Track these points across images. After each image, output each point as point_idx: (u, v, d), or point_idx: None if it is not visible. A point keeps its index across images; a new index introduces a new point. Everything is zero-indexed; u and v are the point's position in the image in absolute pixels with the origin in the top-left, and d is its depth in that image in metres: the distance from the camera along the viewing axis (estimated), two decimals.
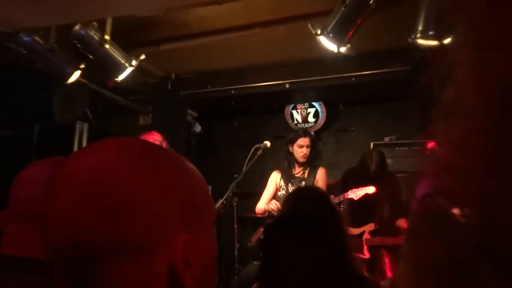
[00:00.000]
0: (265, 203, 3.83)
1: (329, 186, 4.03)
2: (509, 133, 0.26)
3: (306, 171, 3.79)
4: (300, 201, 1.58)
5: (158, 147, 0.62)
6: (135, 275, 0.52)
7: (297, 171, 3.81)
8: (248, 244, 3.99)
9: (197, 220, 0.57)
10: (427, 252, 0.31)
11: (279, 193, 3.84)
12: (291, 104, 5.46)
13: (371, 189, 3.53)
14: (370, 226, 3.62)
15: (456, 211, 0.29)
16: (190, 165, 0.62)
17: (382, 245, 3.56)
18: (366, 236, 3.59)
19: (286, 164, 3.83)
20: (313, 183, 3.72)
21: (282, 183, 3.82)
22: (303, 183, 3.74)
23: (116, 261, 0.51)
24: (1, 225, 1.13)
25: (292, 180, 3.79)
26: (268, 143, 3.65)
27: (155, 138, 3.19)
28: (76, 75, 3.43)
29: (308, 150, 3.74)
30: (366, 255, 3.58)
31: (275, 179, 3.89)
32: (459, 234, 0.29)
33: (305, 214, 1.40)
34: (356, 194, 3.56)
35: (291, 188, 3.75)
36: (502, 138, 0.26)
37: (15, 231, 1.07)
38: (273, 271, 1.25)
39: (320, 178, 3.76)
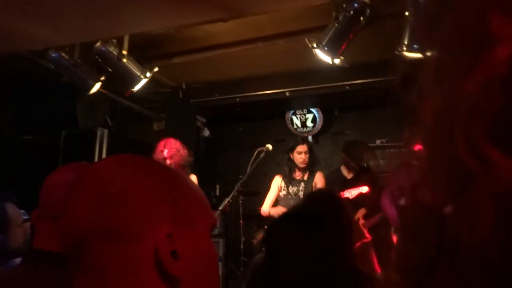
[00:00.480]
0: (269, 206, 3.85)
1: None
2: (448, 146, 0.26)
3: (306, 175, 3.82)
4: (305, 201, 1.60)
5: (158, 163, 0.68)
6: (124, 258, 0.56)
7: (297, 174, 3.84)
8: (253, 241, 4.01)
9: (188, 219, 0.61)
10: (402, 251, 0.31)
11: (280, 194, 3.85)
12: (291, 110, 5.49)
13: (364, 189, 3.57)
14: (362, 211, 3.66)
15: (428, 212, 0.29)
16: (187, 178, 0.67)
17: (379, 221, 3.58)
18: (361, 221, 3.63)
19: (287, 170, 3.86)
20: (312, 186, 3.75)
21: (283, 184, 3.84)
22: (302, 184, 3.76)
23: (108, 245, 0.55)
24: (33, 222, 1.18)
25: (292, 182, 3.81)
26: (270, 146, 3.68)
27: (177, 145, 3.23)
28: (97, 86, 3.49)
29: (307, 156, 3.77)
30: (369, 237, 3.61)
31: (277, 182, 3.92)
32: (426, 235, 0.29)
33: (306, 211, 1.41)
34: (351, 193, 3.59)
35: (291, 189, 3.78)
36: (445, 150, 0.27)
37: (45, 228, 1.11)
38: (275, 265, 1.26)
39: (319, 181, 3.79)
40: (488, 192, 0.24)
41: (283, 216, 1.48)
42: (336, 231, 1.32)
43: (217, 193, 5.48)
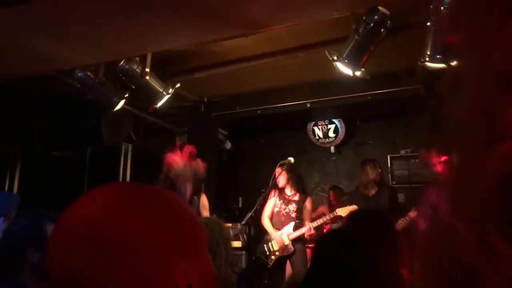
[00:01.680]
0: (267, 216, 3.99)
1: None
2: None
3: (297, 194, 3.92)
4: (355, 220, 1.69)
5: (145, 187, 0.61)
6: None
7: (289, 194, 3.95)
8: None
9: (193, 247, 0.58)
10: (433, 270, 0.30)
11: (274, 209, 3.96)
12: (312, 121, 5.49)
13: (355, 208, 3.63)
14: None
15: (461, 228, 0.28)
16: (176, 197, 0.63)
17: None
18: None
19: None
20: (303, 207, 3.89)
21: (277, 200, 3.97)
22: (294, 205, 3.90)
23: None
24: None
25: (285, 201, 3.95)
26: (291, 159, 3.69)
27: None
28: (121, 103, 3.59)
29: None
30: None
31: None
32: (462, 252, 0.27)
33: (352, 231, 1.48)
34: (343, 211, 3.70)
35: (283, 207, 3.91)
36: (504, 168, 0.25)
37: None
38: (318, 277, 1.31)
39: (308, 205, 3.93)
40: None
41: (334, 232, 1.55)
42: (380, 254, 1.36)
43: (240, 205, 5.50)
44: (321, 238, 1.52)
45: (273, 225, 3.89)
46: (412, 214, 3.46)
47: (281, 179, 3.85)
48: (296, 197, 3.94)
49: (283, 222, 3.89)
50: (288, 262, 3.86)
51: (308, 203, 3.94)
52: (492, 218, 0.24)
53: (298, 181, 3.96)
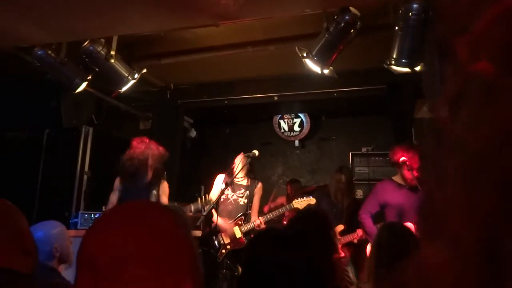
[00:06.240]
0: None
1: (309, 191, 4.14)
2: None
3: (249, 180, 3.78)
4: (290, 222, 1.73)
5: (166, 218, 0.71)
6: None
7: (240, 179, 3.78)
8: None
9: (198, 269, 0.69)
10: None
11: (221, 197, 3.70)
12: (278, 114, 5.53)
13: (313, 200, 3.63)
14: (340, 227, 3.71)
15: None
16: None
17: (351, 241, 3.66)
18: (338, 236, 3.69)
19: (229, 171, 3.74)
20: (253, 193, 3.76)
21: (223, 186, 3.67)
22: (243, 190, 3.76)
23: None
24: None
25: (234, 187, 3.76)
26: (256, 152, 3.68)
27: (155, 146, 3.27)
28: (83, 85, 3.43)
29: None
30: (342, 253, 3.68)
31: (220, 180, 3.80)
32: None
33: (287, 231, 1.50)
34: (300, 204, 3.64)
35: (231, 194, 3.73)
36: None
37: None
38: (252, 278, 1.32)
39: (258, 191, 3.79)
40: None
41: (267, 232, 1.55)
42: (315, 251, 1.39)
43: (202, 194, 5.48)
44: (250, 241, 1.54)
45: (219, 214, 3.62)
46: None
47: (241, 166, 3.68)
48: (246, 182, 3.75)
49: (231, 211, 3.69)
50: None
51: (258, 189, 3.77)
52: None
53: (251, 170, 3.82)
